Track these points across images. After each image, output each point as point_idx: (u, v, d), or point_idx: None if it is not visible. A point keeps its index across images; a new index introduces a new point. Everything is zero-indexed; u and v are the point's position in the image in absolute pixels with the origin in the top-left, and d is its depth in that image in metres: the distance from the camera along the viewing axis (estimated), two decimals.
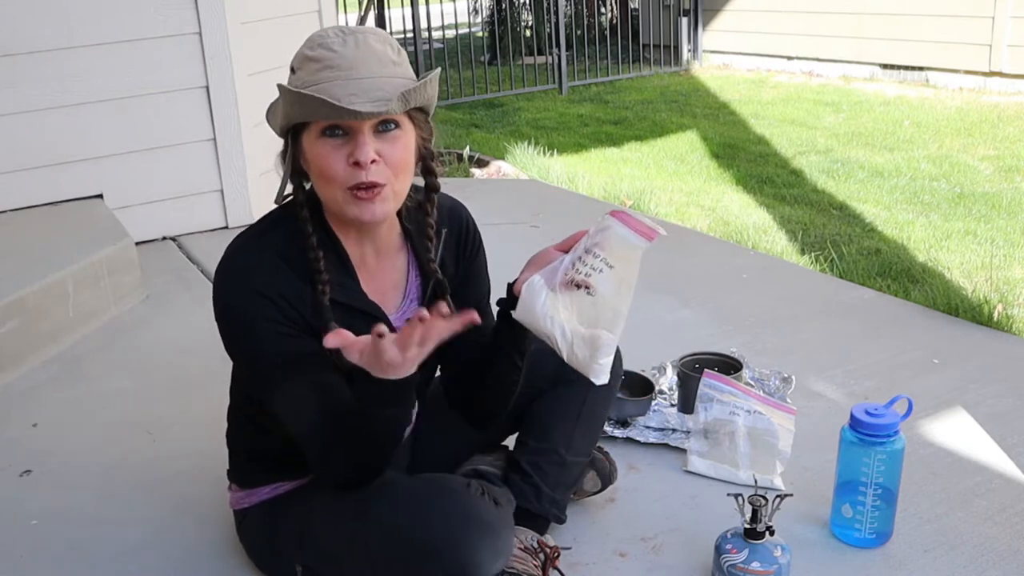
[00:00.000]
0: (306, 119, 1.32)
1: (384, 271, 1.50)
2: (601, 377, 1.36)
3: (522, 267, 1.45)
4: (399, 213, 1.47)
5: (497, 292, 1.61)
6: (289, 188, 1.42)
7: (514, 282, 1.45)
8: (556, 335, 1.35)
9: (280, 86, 1.33)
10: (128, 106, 3.47)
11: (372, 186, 1.33)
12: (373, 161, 1.31)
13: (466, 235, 1.59)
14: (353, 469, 1.40)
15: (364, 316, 1.43)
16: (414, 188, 1.46)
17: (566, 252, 1.41)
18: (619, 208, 1.44)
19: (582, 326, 1.36)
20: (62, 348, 2.71)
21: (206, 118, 3.63)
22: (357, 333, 1.40)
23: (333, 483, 1.44)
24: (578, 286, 1.35)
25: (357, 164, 1.31)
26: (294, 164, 1.39)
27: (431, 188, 1.49)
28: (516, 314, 1.39)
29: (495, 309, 1.52)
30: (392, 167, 1.34)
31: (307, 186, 1.42)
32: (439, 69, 1.40)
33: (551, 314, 1.35)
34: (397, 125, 1.34)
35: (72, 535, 1.85)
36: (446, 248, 1.55)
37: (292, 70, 1.35)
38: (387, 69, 1.31)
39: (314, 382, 1.38)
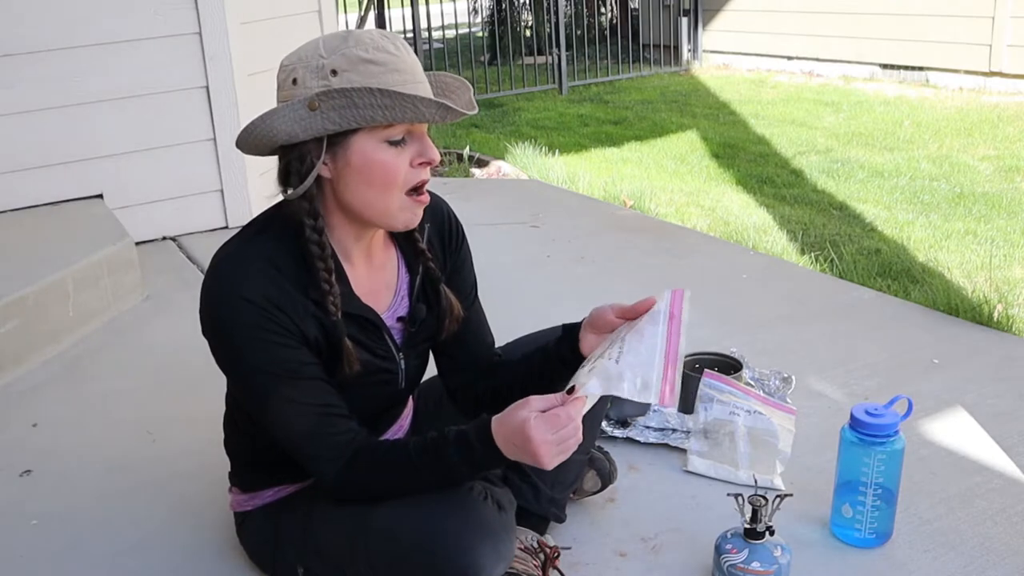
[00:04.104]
0: (392, 120, 1.27)
1: (375, 271, 1.49)
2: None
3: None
4: None
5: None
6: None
7: (579, 327, 1.49)
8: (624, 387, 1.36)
9: (356, 90, 1.24)
10: (128, 106, 3.48)
11: (423, 185, 1.37)
12: None
13: (449, 228, 1.59)
14: (367, 496, 1.39)
15: (359, 320, 1.43)
16: None
17: (629, 317, 1.48)
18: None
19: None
20: (62, 348, 2.71)
21: (206, 118, 3.63)
22: (353, 338, 1.40)
23: (334, 498, 1.43)
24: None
25: (427, 163, 1.34)
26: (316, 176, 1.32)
27: None
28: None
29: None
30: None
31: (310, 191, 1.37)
32: (465, 82, 1.43)
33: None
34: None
35: (72, 535, 1.85)
36: (430, 243, 1.54)
37: (333, 72, 1.26)
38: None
39: (308, 393, 1.36)
